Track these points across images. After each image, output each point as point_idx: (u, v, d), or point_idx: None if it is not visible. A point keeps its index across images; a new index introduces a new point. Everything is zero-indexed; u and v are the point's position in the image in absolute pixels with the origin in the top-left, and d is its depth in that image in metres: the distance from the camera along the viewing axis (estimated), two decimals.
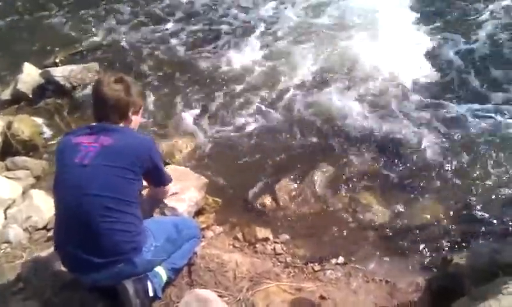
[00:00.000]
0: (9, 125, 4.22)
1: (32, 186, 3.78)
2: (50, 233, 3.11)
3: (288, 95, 4.66)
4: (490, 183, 3.54)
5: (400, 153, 3.89)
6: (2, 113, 4.71)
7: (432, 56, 5.04)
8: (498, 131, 4.00)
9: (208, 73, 5.15)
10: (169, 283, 2.61)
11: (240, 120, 4.44)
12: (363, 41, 5.31)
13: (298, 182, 3.73)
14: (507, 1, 5.68)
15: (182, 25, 6.06)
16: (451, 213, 3.37)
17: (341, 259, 3.10)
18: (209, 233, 3.23)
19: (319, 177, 3.72)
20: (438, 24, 5.56)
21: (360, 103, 4.44)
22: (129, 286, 2.34)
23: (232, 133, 4.30)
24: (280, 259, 3.10)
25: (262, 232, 3.29)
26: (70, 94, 4.94)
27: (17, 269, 2.79)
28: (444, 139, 3.96)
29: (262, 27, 5.90)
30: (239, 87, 4.86)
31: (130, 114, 2.49)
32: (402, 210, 3.44)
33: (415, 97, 4.50)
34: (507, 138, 3.90)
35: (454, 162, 3.75)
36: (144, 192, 2.84)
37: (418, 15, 5.72)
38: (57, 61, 5.50)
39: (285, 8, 6.23)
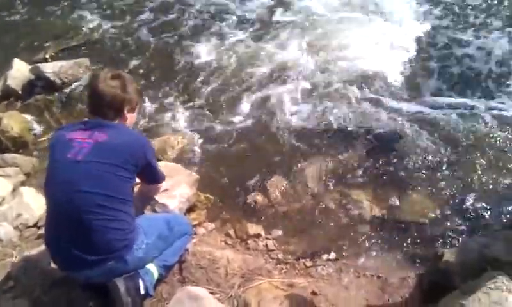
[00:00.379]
0: None
1: (22, 183, 3.76)
2: (41, 231, 3.10)
3: (279, 91, 4.64)
4: (480, 179, 3.55)
5: (391, 149, 3.89)
6: None
7: (425, 51, 5.04)
8: (489, 127, 4.00)
9: (201, 68, 5.12)
10: (160, 280, 2.62)
11: (232, 116, 4.43)
12: (353, 35, 5.29)
13: (289, 178, 3.73)
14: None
15: (174, 20, 6.03)
16: (441, 208, 3.38)
17: (332, 255, 3.11)
18: (201, 230, 3.22)
19: (310, 173, 3.73)
20: (431, 16, 5.58)
21: (350, 99, 4.43)
22: (120, 284, 2.34)
23: (224, 130, 4.28)
24: (272, 256, 3.11)
25: (253, 228, 3.31)
26: (60, 90, 4.91)
27: (7, 267, 2.78)
28: (435, 136, 3.96)
29: (255, 22, 5.88)
30: (230, 83, 4.84)
31: (125, 111, 2.48)
32: (393, 205, 3.44)
33: (407, 93, 4.51)
34: (498, 135, 3.91)
35: (445, 158, 3.75)
36: (135, 188, 2.83)
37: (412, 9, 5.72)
38: (47, 56, 5.47)
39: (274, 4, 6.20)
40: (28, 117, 4.59)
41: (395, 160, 3.79)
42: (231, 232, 3.29)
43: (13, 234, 3.14)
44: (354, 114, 4.26)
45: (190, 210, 3.28)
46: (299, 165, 3.83)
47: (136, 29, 5.92)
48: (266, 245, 3.19)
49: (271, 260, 3.05)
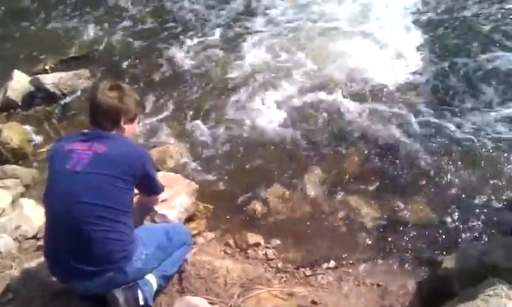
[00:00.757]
0: None
1: (22, 195, 3.76)
2: (40, 242, 3.09)
3: (278, 99, 4.65)
4: (479, 186, 3.55)
5: (389, 156, 3.90)
6: None
7: (424, 60, 5.02)
8: (489, 136, 3.99)
9: (199, 77, 5.13)
10: (159, 290, 2.61)
11: (230, 125, 4.43)
12: (353, 42, 5.32)
13: (289, 187, 3.73)
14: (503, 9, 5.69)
15: (173, 30, 6.03)
16: (440, 216, 3.38)
17: (332, 264, 3.11)
18: (200, 240, 3.22)
19: (310, 181, 3.73)
20: (431, 27, 5.56)
21: (350, 108, 4.43)
22: (119, 294, 2.34)
23: (223, 139, 4.29)
24: (272, 265, 3.11)
25: (253, 238, 3.31)
26: (60, 102, 4.92)
27: (6, 279, 2.77)
28: (434, 144, 3.98)
29: (255, 27, 5.88)
30: (229, 92, 4.85)
31: (122, 122, 2.49)
32: (392, 213, 3.45)
33: (406, 101, 4.51)
34: (498, 144, 3.91)
35: (443, 166, 3.76)
36: (134, 199, 2.83)
37: (411, 18, 5.74)
38: (47, 68, 5.48)
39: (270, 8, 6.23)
40: (28, 128, 4.60)
41: (394, 168, 3.80)
42: (230, 241, 3.29)
43: (13, 246, 3.13)
44: (353, 122, 4.27)
45: (189, 219, 3.29)
46: (298, 173, 3.84)
47: (136, 39, 5.92)
48: (266, 254, 3.19)
49: (270, 269, 3.05)
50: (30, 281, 2.66)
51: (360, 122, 4.27)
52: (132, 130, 2.63)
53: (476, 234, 3.22)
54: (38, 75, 5.15)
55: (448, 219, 3.34)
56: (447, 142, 3.99)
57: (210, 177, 3.90)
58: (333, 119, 4.34)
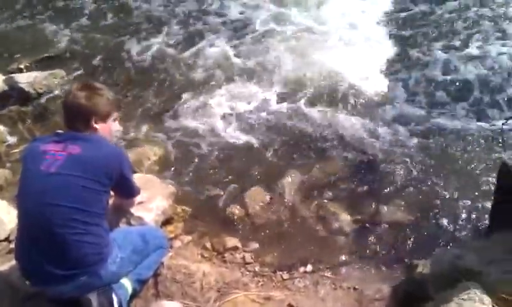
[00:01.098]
0: None
1: None
2: (12, 245, 3.01)
3: (256, 103, 4.67)
4: (454, 190, 3.61)
5: (367, 161, 3.94)
6: None
7: (401, 66, 5.13)
8: (465, 142, 4.08)
9: (177, 78, 5.13)
10: (134, 294, 2.56)
11: (209, 128, 4.42)
12: (332, 49, 5.37)
13: (268, 191, 3.73)
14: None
15: (149, 31, 6.03)
16: (416, 220, 3.43)
17: (309, 268, 3.12)
18: (177, 243, 3.19)
19: (288, 185, 3.74)
20: (408, 35, 5.68)
21: (328, 113, 4.47)
22: (93, 298, 2.29)
23: (201, 141, 4.27)
24: (249, 269, 3.10)
25: (231, 241, 3.29)
26: (35, 102, 4.82)
27: None
28: (410, 149, 4.03)
29: (229, 31, 5.92)
30: (207, 95, 4.84)
31: (92, 122, 2.44)
32: (369, 217, 3.48)
33: (383, 107, 4.58)
34: (473, 151, 3.98)
35: (419, 172, 3.81)
36: (110, 201, 2.79)
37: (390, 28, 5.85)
38: (21, 67, 5.37)
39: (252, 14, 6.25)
40: (1, 128, 4.49)
41: (370, 173, 3.84)
42: (208, 245, 3.26)
43: None
44: (331, 127, 4.30)
45: (166, 222, 3.24)
46: (277, 177, 3.84)
47: (112, 39, 5.88)
48: (243, 258, 3.18)
49: (247, 273, 3.03)
50: (1, 284, 2.59)
51: (336, 127, 4.31)
52: (108, 129, 2.55)
53: (451, 238, 3.27)
54: (13, 74, 5.05)
55: (424, 223, 3.40)
56: (421, 147, 4.05)
57: (188, 179, 3.88)
58: (310, 124, 4.36)
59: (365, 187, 3.71)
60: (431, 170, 3.81)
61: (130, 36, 5.92)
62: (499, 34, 5.46)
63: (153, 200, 3.08)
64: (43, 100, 4.85)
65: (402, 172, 3.80)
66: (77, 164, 2.27)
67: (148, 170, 3.89)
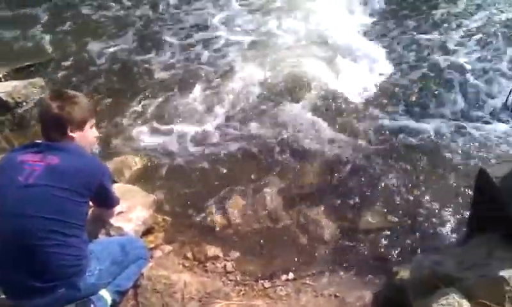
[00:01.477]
0: None
1: None
2: None
3: (238, 110, 4.67)
4: (433, 197, 3.64)
5: (347, 169, 3.95)
6: None
7: (381, 74, 5.16)
8: (447, 149, 4.11)
9: (158, 87, 5.11)
10: (113, 306, 2.53)
11: (190, 136, 4.40)
12: (314, 56, 5.41)
13: (249, 199, 3.72)
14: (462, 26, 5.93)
15: (132, 38, 6.02)
16: (397, 227, 3.44)
17: (291, 275, 3.11)
18: (158, 253, 3.16)
19: (269, 193, 3.73)
20: (390, 42, 5.76)
21: (309, 120, 4.49)
22: None
23: (182, 150, 4.25)
24: (230, 278, 3.09)
25: (212, 250, 3.27)
26: (13, 111, 4.75)
27: None
28: (391, 157, 4.05)
29: (213, 40, 5.94)
30: (189, 103, 4.83)
31: (68, 131, 2.41)
32: (350, 224, 3.49)
33: (363, 114, 4.60)
34: (455, 155, 4.03)
35: (400, 177, 3.84)
36: (89, 211, 2.75)
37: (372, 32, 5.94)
38: (0, 76, 5.30)
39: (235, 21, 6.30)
40: None
41: (351, 181, 3.85)
42: (189, 254, 3.24)
43: None
44: (312, 135, 4.31)
45: (147, 232, 3.22)
46: (258, 185, 3.83)
47: (92, 47, 5.85)
48: (225, 267, 3.17)
49: (229, 282, 3.02)
50: None
51: (317, 135, 4.31)
52: (85, 137, 2.52)
53: (431, 244, 3.29)
54: None
55: (404, 230, 3.41)
56: (402, 154, 4.08)
57: (169, 188, 3.85)
58: (292, 132, 4.37)
59: (346, 195, 3.71)
60: (411, 177, 3.83)
61: (114, 44, 5.90)
62: (489, 40, 5.58)
63: (133, 210, 3.06)
64: (21, 109, 4.76)
65: (382, 179, 3.82)
66: (56, 175, 2.25)
67: (128, 179, 3.85)
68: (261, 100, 4.81)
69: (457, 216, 3.45)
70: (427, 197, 3.64)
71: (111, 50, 5.78)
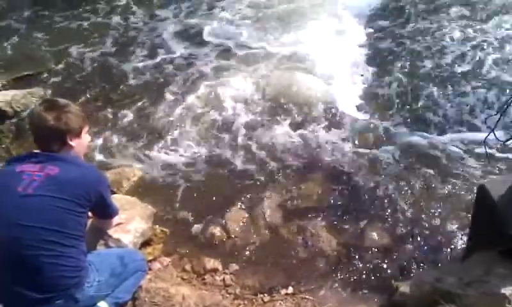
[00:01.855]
0: None
1: None
2: None
3: (236, 123, 4.66)
4: (434, 212, 3.63)
5: (348, 183, 3.95)
6: None
7: (382, 86, 5.18)
8: (444, 162, 4.11)
9: (156, 98, 5.11)
10: None
11: (189, 148, 4.40)
12: (311, 69, 5.42)
13: (248, 212, 3.71)
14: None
15: (132, 49, 6.04)
16: (398, 242, 3.43)
17: (290, 290, 3.09)
18: (156, 265, 3.14)
19: (269, 206, 3.72)
20: (388, 52, 5.79)
21: (308, 133, 4.49)
22: None
23: (181, 162, 4.24)
24: (229, 291, 3.07)
25: (211, 263, 3.25)
26: (12, 120, 4.75)
27: None
28: (391, 170, 4.05)
29: (211, 50, 5.96)
30: (186, 115, 4.82)
31: (68, 140, 2.40)
32: (351, 239, 3.47)
33: (364, 127, 4.60)
34: (456, 168, 4.02)
35: (401, 192, 3.82)
36: (88, 222, 2.74)
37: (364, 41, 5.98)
38: None
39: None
40: None
41: (352, 195, 3.84)
42: (187, 267, 3.22)
43: None
44: (312, 148, 4.32)
45: (145, 244, 3.20)
46: (257, 199, 3.82)
47: (91, 57, 5.87)
48: (223, 280, 3.15)
49: (228, 296, 3.00)
50: None
51: (317, 148, 4.32)
52: (82, 143, 2.53)
53: (431, 260, 3.28)
54: None
55: (405, 245, 3.39)
56: (403, 168, 4.07)
57: (168, 200, 3.83)
58: (291, 145, 4.37)
59: (346, 209, 3.71)
60: (413, 192, 3.82)
61: (114, 55, 5.92)
62: (489, 48, 5.57)
63: (131, 221, 3.05)
64: (20, 118, 4.77)
65: (383, 194, 3.81)
66: (55, 185, 2.24)
67: (127, 191, 3.84)
68: (258, 113, 4.81)
69: (459, 232, 3.44)
70: (428, 213, 3.62)
71: (111, 61, 5.79)
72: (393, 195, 3.80)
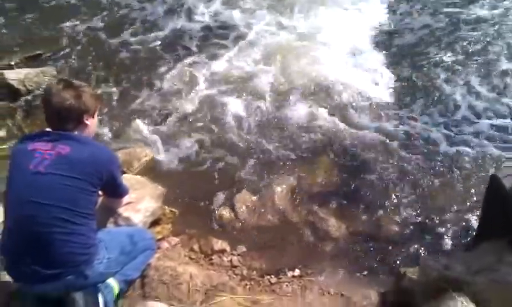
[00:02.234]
0: None
1: None
2: None
3: (249, 106, 4.64)
4: (443, 200, 3.63)
5: (358, 168, 3.95)
6: None
7: (395, 75, 5.11)
8: (454, 152, 4.10)
9: (168, 80, 5.09)
10: (121, 294, 2.55)
11: (199, 129, 4.40)
12: (328, 56, 5.36)
13: (257, 195, 3.72)
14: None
15: (144, 31, 5.99)
16: (405, 228, 3.44)
17: (297, 272, 3.11)
18: (165, 244, 3.17)
19: (278, 190, 3.73)
20: (403, 43, 5.72)
21: (321, 117, 4.47)
22: (79, 298, 2.29)
23: (192, 143, 4.25)
24: (236, 272, 3.09)
25: (219, 244, 3.28)
26: (25, 98, 4.77)
27: None
28: (402, 157, 4.04)
29: (229, 37, 5.88)
30: (198, 97, 4.81)
31: (84, 119, 2.42)
32: (359, 224, 3.49)
33: (375, 113, 4.59)
34: (463, 160, 4.02)
35: (410, 178, 3.83)
36: (99, 200, 2.76)
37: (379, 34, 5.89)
38: (12, 63, 5.31)
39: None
40: None
41: (361, 180, 3.84)
42: (195, 247, 3.25)
43: None
44: (322, 133, 4.31)
45: (155, 223, 3.22)
46: (267, 181, 3.83)
47: (104, 37, 5.85)
48: (231, 261, 3.17)
49: (234, 276, 3.03)
50: None
51: (329, 134, 4.31)
52: (95, 123, 2.56)
53: (440, 247, 3.29)
54: (3, 70, 4.97)
55: (413, 231, 3.41)
56: (414, 156, 4.06)
57: (178, 181, 3.85)
58: (303, 130, 4.36)
59: (355, 194, 3.71)
60: (422, 180, 3.82)
61: (126, 34, 5.90)
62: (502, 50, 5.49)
63: (141, 201, 3.07)
64: (33, 97, 4.79)
65: (392, 180, 3.81)
66: (66, 164, 2.25)
67: (137, 171, 3.86)
68: (270, 97, 4.78)
69: (467, 221, 3.44)
70: (436, 201, 3.63)
71: (125, 42, 5.76)
72: (402, 182, 3.80)
